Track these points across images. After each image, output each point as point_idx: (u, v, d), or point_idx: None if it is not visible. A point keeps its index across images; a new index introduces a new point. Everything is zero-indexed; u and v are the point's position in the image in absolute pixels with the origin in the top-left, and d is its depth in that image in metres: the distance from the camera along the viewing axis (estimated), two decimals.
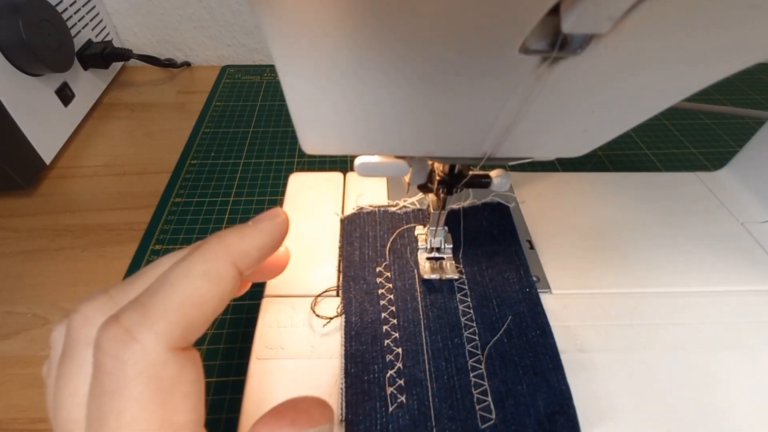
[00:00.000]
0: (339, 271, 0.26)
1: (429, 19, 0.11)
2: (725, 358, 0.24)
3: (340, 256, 0.27)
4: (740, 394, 0.22)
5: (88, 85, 0.48)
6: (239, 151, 0.44)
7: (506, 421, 0.20)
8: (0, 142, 0.36)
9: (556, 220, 0.31)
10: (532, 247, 0.28)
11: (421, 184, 0.24)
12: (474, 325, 0.24)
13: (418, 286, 0.25)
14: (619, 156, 0.44)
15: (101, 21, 0.52)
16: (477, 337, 0.23)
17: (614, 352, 0.24)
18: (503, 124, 0.15)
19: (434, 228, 0.25)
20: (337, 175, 0.33)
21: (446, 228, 0.27)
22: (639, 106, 0.14)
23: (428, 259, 0.26)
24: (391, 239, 0.27)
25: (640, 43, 0.11)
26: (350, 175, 0.33)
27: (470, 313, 0.24)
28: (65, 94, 0.43)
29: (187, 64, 0.59)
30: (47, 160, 0.40)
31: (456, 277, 0.25)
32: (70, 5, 0.45)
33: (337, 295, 0.25)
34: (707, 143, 0.46)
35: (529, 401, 0.21)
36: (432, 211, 0.25)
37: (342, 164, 0.42)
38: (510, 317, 0.24)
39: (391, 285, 0.25)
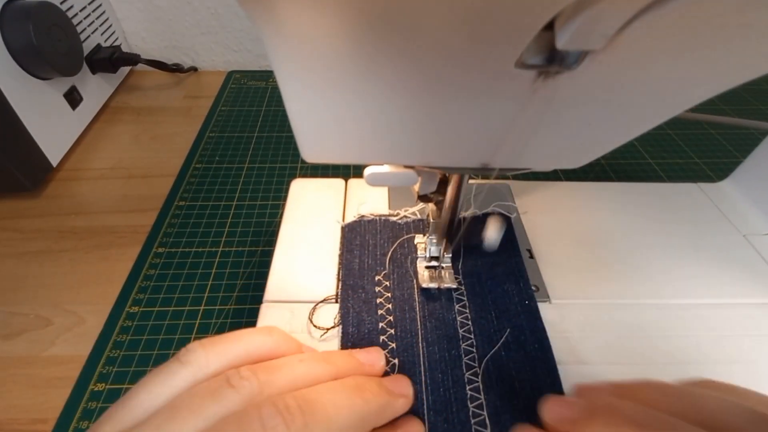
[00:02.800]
0: (338, 279, 0.26)
1: (428, 34, 0.11)
2: (726, 371, 0.23)
3: (339, 263, 0.27)
4: None
5: (96, 89, 0.49)
6: (243, 155, 0.45)
7: (499, 423, 0.20)
8: (8, 144, 0.36)
9: (556, 229, 0.31)
10: (531, 257, 0.28)
11: (424, 194, 0.24)
12: (472, 337, 0.23)
13: (416, 296, 0.25)
14: (622, 165, 0.44)
15: (110, 26, 0.53)
16: (474, 350, 0.23)
17: (614, 364, 0.24)
18: (501, 136, 0.15)
19: (434, 237, 0.26)
20: (339, 182, 0.33)
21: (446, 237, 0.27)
22: (635, 120, 0.14)
23: (427, 267, 0.26)
24: (391, 249, 0.27)
25: (635, 59, 0.11)
26: (352, 181, 0.33)
27: (468, 324, 0.24)
28: (73, 98, 0.44)
29: (194, 69, 0.60)
30: (54, 163, 0.41)
31: (454, 286, 0.25)
32: (80, 10, 0.46)
33: (336, 303, 0.25)
34: (711, 153, 0.46)
35: (525, 418, 0.20)
36: (432, 220, 0.25)
37: (345, 170, 0.42)
38: (508, 330, 0.24)
39: (389, 294, 0.25)
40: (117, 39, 0.54)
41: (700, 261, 0.29)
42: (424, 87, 0.13)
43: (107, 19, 0.52)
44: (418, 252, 0.27)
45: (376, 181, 0.20)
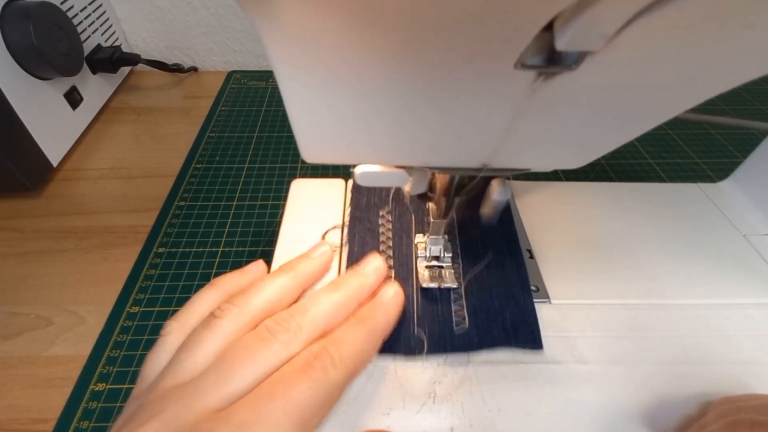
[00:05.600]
0: (344, 213, 0.30)
1: (428, 35, 0.11)
2: (726, 371, 0.23)
3: (351, 203, 0.30)
4: None
5: (96, 89, 0.49)
6: (243, 155, 0.45)
7: (477, 327, 0.24)
8: (8, 144, 0.36)
9: (556, 229, 0.31)
10: (531, 257, 0.28)
11: (423, 194, 0.24)
12: (459, 260, 0.27)
13: (413, 228, 0.29)
14: (622, 165, 0.44)
15: (111, 26, 0.53)
16: (461, 270, 0.27)
17: (613, 364, 0.24)
18: (500, 136, 0.15)
19: (434, 236, 0.26)
20: (339, 182, 0.33)
21: (446, 237, 0.27)
22: (635, 120, 0.14)
23: (427, 267, 0.26)
24: (393, 188, 0.30)
25: (635, 60, 0.11)
26: (352, 181, 0.33)
27: (457, 251, 0.28)
28: (74, 98, 0.44)
29: (194, 69, 0.60)
30: (54, 163, 0.41)
31: (455, 286, 0.25)
32: (81, 10, 0.46)
33: (343, 232, 0.29)
34: (712, 153, 0.46)
35: (498, 313, 0.24)
36: (432, 219, 0.25)
37: (345, 170, 0.42)
38: (491, 252, 0.27)
39: (390, 226, 0.29)
40: (117, 39, 0.54)
41: (700, 261, 0.29)
42: (423, 87, 0.13)
43: (107, 19, 0.52)
44: (419, 251, 0.27)
45: (366, 180, 0.20)
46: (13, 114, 0.36)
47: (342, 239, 0.29)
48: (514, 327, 0.24)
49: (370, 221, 0.29)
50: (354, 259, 0.27)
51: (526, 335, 0.24)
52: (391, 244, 0.28)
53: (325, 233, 0.29)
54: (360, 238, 0.28)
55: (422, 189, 0.22)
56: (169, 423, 0.16)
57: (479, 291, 0.26)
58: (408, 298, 0.25)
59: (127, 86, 0.55)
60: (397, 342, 0.23)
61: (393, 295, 0.23)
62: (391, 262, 0.27)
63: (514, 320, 0.24)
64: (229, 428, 0.16)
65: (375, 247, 0.28)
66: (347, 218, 0.30)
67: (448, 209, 0.24)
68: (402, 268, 0.27)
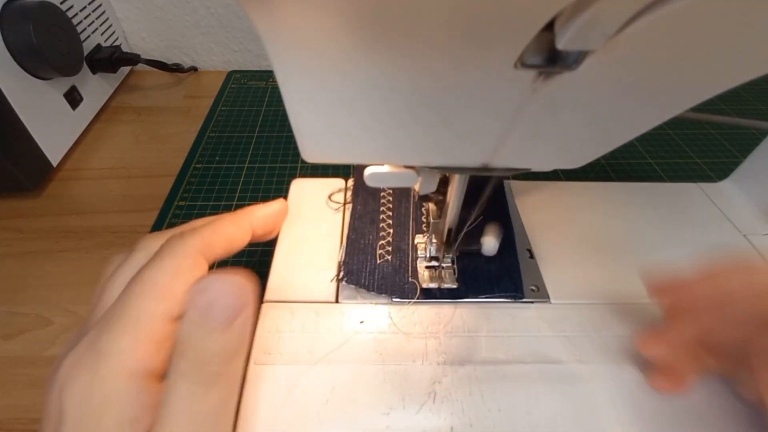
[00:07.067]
0: (344, 182, 0.33)
1: (428, 35, 0.11)
2: None
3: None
4: (741, 412, 0.22)
5: (96, 88, 0.49)
6: (243, 155, 0.45)
7: (465, 281, 0.26)
8: (8, 144, 0.36)
9: (556, 229, 0.31)
10: (532, 257, 0.28)
11: (424, 194, 0.24)
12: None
13: (413, 195, 0.31)
14: (622, 165, 0.44)
15: (110, 26, 0.53)
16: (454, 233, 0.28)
17: (613, 364, 0.24)
18: (501, 136, 0.15)
19: (433, 237, 0.26)
20: (339, 182, 0.33)
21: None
22: (635, 120, 0.14)
23: (427, 267, 0.26)
24: None
25: (635, 59, 0.11)
26: (352, 181, 0.33)
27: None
28: (73, 98, 0.44)
29: (194, 69, 0.60)
30: (54, 162, 0.41)
31: (455, 286, 0.25)
32: (81, 10, 0.46)
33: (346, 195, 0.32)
34: (712, 153, 0.46)
35: (485, 268, 0.27)
36: (432, 220, 0.25)
37: (345, 170, 0.42)
38: (482, 217, 0.28)
39: (392, 190, 0.32)
40: (117, 39, 0.54)
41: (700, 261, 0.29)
42: (423, 87, 0.13)
43: (107, 19, 0.52)
44: (418, 252, 0.27)
45: (376, 181, 0.20)
46: (13, 114, 0.36)
47: (345, 199, 0.32)
48: (498, 278, 0.26)
49: (372, 187, 0.31)
50: (357, 216, 0.30)
51: (508, 284, 0.26)
52: (391, 206, 0.31)
53: (331, 195, 0.32)
54: (362, 199, 0.31)
55: (432, 188, 0.23)
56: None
57: (469, 253, 0.27)
58: (404, 251, 0.28)
59: (127, 86, 0.55)
60: (393, 287, 0.26)
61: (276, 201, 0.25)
62: (391, 221, 0.30)
63: (498, 274, 0.27)
64: (87, 351, 0.17)
65: (376, 207, 0.31)
66: (351, 185, 0.32)
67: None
68: (400, 227, 0.29)
